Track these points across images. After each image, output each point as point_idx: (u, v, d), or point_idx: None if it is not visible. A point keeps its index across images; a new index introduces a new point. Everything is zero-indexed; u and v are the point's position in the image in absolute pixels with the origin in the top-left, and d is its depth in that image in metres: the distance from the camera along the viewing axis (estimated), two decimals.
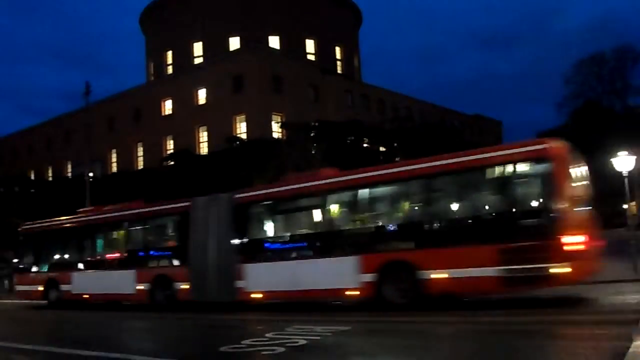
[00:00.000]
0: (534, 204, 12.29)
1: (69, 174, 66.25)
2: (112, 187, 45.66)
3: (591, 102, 56.68)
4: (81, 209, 22.07)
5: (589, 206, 12.85)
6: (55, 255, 21.48)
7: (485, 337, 9.39)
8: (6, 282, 30.92)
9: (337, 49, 74.96)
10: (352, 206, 14.62)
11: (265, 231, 16.24)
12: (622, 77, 57.66)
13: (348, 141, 46.37)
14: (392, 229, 13.85)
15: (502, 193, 12.39)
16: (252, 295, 15.17)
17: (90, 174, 37.27)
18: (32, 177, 71.11)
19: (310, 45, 71.49)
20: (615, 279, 15.89)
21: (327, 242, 14.29)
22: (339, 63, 74.38)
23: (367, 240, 13.86)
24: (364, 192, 14.17)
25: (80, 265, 19.89)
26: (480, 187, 12.98)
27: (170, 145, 61.98)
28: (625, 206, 28.03)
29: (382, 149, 49.81)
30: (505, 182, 12.33)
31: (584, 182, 13.06)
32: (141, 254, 18.40)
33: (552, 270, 11.07)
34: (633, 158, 19.74)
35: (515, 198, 12.31)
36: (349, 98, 65.92)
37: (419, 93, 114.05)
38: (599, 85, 58.29)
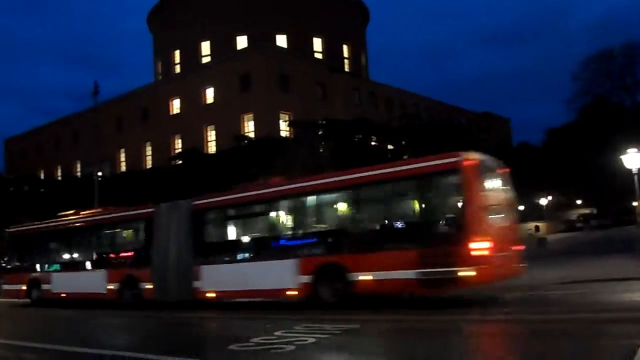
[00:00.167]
0: (447, 212, 13.21)
1: (78, 174, 66.63)
2: (120, 187, 45.95)
3: (600, 99, 56.27)
4: (62, 213, 23.05)
5: (507, 214, 13.83)
6: (37, 256, 22.55)
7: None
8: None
9: (345, 47, 74.93)
10: (292, 213, 15.73)
11: (218, 235, 17.44)
12: (632, 73, 57.12)
13: (356, 139, 46.27)
14: (325, 234, 14.75)
15: (419, 202, 13.47)
16: (207, 295, 16.24)
17: (99, 174, 37.50)
18: (42, 176, 71.58)
19: (317, 43, 71.50)
20: (624, 276, 15.85)
21: (271, 246, 15.38)
22: (346, 61, 74.34)
23: (304, 244, 14.83)
24: (302, 201, 15.36)
25: (59, 266, 21.22)
26: (400, 197, 14.19)
27: (178, 144, 62.21)
28: (635, 204, 27.89)
29: (390, 146, 49.71)
30: (423, 192, 13.30)
31: (501, 192, 13.87)
32: (111, 256, 19.75)
33: (460, 274, 11.99)
34: None
35: (431, 207, 13.27)
36: (357, 96, 65.90)
37: (426, 91, 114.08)
38: (607, 82, 57.78)
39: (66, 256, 21.32)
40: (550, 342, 8.31)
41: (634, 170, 19.50)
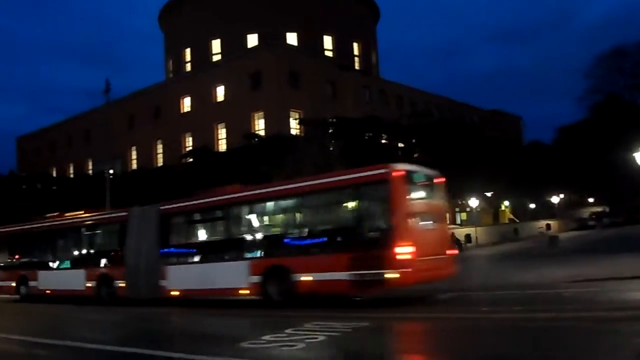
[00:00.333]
0: (377, 219, 14.18)
1: (90, 171, 67.00)
2: (132, 184, 46.20)
3: (613, 96, 55.76)
4: (48, 215, 24.46)
5: (436, 220, 14.68)
6: (25, 255, 24.05)
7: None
8: None
9: (355, 45, 74.84)
10: (243, 218, 16.92)
11: (181, 238, 18.59)
12: None
13: (366, 137, 46.17)
14: (273, 238, 15.94)
15: (353, 210, 14.50)
16: (172, 293, 17.45)
17: (111, 171, 37.72)
18: (54, 174, 72.09)
19: (327, 41, 71.50)
20: (636, 275, 15.76)
21: (226, 249, 16.59)
22: (356, 59, 74.25)
23: (255, 247, 16.01)
24: (252, 207, 16.62)
25: (44, 265, 22.41)
26: (337, 205, 15.18)
27: (189, 142, 62.44)
28: None
29: (400, 145, 49.62)
30: (356, 201, 14.35)
31: (430, 200, 14.78)
32: (90, 255, 21.03)
33: (386, 276, 12.91)
34: None
35: (363, 214, 14.23)
36: (367, 94, 65.80)
37: (436, 88, 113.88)
38: (620, 79, 57.28)
39: (50, 255, 22.48)
40: (561, 339, 8.29)
41: None
